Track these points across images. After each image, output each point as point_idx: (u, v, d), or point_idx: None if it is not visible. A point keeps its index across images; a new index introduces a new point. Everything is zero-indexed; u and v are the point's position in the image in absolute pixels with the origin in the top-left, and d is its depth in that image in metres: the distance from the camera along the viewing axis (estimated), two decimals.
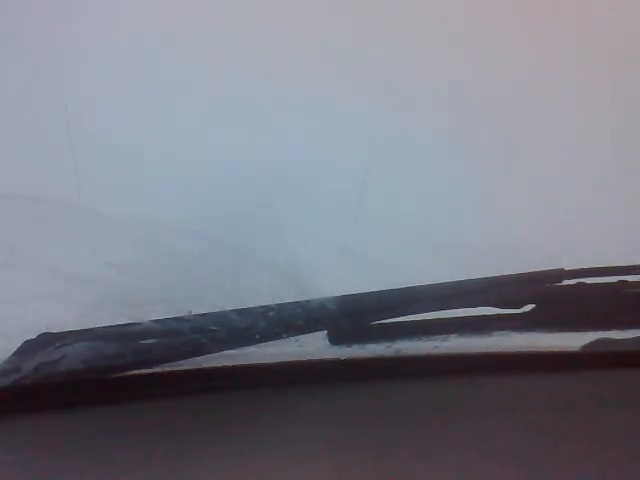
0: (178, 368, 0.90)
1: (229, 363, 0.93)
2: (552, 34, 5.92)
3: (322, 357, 0.98)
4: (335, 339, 0.99)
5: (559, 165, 5.75)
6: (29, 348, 0.87)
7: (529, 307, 1.05)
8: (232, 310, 0.93)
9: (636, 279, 1.08)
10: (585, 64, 5.96)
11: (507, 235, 5.29)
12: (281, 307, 0.95)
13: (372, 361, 1.00)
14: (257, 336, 0.92)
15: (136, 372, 0.88)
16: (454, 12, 6.04)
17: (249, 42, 5.77)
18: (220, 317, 0.92)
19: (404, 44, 5.97)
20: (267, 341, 0.93)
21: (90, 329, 0.89)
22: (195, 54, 5.74)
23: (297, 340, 0.97)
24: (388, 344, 1.01)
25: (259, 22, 5.87)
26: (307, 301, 0.97)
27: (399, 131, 5.72)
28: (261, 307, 0.95)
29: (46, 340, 0.87)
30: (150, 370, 0.89)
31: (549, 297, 1.09)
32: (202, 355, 0.90)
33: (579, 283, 1.09)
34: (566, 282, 1.11)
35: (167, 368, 0.89)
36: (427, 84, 5.97)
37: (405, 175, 5.46)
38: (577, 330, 1.04)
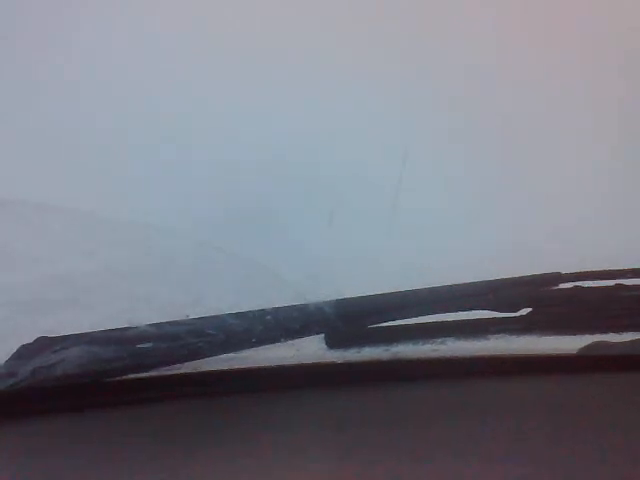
0: (175, 372, 0.90)
1: (226, 367, 0.93)
2: (553, 35, 5.94)
3: (319, 361, 0.98)
4: (332, 343, 0.99)
5: (558, 170, 5.76)
6: (26, 352, 0.87)
7: (526, 310, 1.05)
8: (229, 314, 0.93)
9: (632, 282, 1.08)
10: (587, 65, 5.99)
11: (505, 239, 5.29)
12: (278, 311, 0.95)
13: (369, 365, 1.00)
14: (254, 340, 0.92)
15: (133, 376, 0.88)
16: (456, 14, 6.07)
17: (249, 42, 5.78)
18: (217, 321, 0.92)
19: (404, 44, 5.99)
20: (264, 345, 0.93)
21: (86, 333, 0.89)
22: (194, 53, 5.74)
23: (294, 344, 0.97)
24: (385, 347, 1.01)
25: (258, 17, 5.88)
26: (304, 305, 0.97)
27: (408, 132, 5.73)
28: (258, 311, 0.95)
29: (43, 344, 0.87)
30: (147, 374, 0.88)
31: (546, 300, 1.09)
32: (199, 359, 0.90)
33: (576, 287, 1.09)
34: (563, 285, 1.12)
35: (164, 372, 0.89)
36: (428, 82, 5.99)
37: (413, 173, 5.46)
38: (574, 333, 1.04)
